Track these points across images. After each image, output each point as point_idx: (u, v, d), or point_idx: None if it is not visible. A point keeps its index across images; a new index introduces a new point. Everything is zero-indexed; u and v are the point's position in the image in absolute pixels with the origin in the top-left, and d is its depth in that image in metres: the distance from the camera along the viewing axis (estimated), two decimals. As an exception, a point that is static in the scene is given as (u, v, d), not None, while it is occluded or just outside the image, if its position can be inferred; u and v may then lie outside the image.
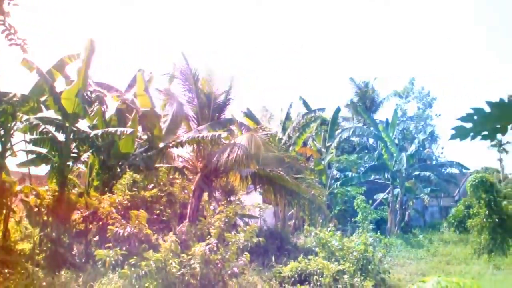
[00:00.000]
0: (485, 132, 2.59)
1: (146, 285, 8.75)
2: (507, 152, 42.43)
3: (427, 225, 34.43)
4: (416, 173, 30.24)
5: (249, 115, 26.02)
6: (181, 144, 14.88)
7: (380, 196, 32.20)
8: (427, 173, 30.28)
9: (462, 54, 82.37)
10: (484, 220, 20.87)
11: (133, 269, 8.47)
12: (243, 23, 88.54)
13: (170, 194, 11.87)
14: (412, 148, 29.76)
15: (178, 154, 17.27)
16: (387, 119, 33.01)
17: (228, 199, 18.93)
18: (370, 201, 26.80)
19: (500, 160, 50.16)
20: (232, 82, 17.99)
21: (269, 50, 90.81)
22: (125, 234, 9.21)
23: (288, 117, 27.87)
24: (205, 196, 16.58)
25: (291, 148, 25.15)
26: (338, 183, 27.10)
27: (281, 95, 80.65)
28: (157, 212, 11.23)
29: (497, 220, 20.61)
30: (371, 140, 36.45)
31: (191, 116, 17.56)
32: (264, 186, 18.62)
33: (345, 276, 10.92)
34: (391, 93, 45.49)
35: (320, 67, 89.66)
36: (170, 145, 15.12)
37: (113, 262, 8.84)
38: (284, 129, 26.75)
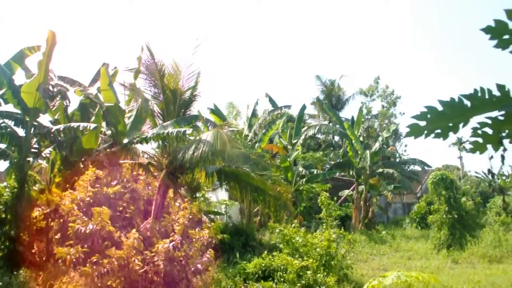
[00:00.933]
0: (438, 131, 2.64)
1: (108, 283, 8.63)
2: (467, 150, 43.65)
3: (390, 221, 35.19)
4: (380, 170, 30.78)
5: (215, 111, 25.94)
6: (146, 140, 14.68)
7: (345, 193, 32.65)
8: (391, 171, 30.85)
9: (425, 54, 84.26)
10: (444, 216, 21.47)
11: (94, 267, 8.33)
12: (210, 19, 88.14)
13: (133, 190, 11.70)
14: (376, 146, 30.25)
15: (143, 150, 17.06)
16: (352, 117, 33.49)
17: (194, 196, 18.85)
18: (335, 198, 27.13)
19: (460, 158, 51.68)
20: (199, 78, 17.85)
21: (236, 46, 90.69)
22: (87, 231, 9.03)
23: (254, 114, 27.91)
24: (171, 192, 16.42)
25: (257, 145, 25.22)
26: (304, 180, 27.29)
27: (248, 92, 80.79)
28: (120, 209, 11.04)
29: (456, 216, 21.23)
30: (336, 138, 36.87)
31: (156, 112, 17.32)
32: (230, 183, 18.60)
33: (309, 272, 11.02)
34: (356, 91, 46.18)
35: (287, 64, 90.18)
36: (135, 141, 14.90)
37: (74, 260, 8.67)
38: (250, 126, 26.79)
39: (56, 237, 11.09)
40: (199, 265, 9.70)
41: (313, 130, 30.37)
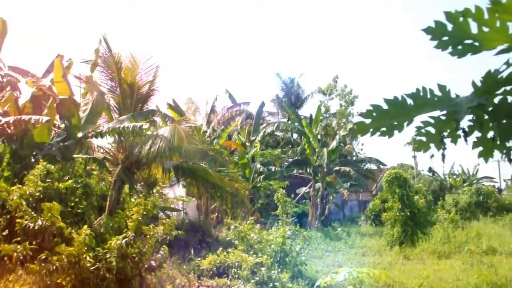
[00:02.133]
0: (384, 129, 2.69)
1: (58, 280, 8.41)
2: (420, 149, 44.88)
3: (346, 218, 35.83)
4: (337, 168, 31.27)
5: (173, 106, 25.67)
6: (101, 134, 14.40)
7: (302, 190, 33.00)
8: (347, 169, 31.40)
9: (383, 54, 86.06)
10: (397, 213, 22.05)
11: (43, 264, 8.10)
12: (170, 14, 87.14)
13: (86, 185, 11.42)
14: (333, 144, 30.71)
15: (99, 144, 16.70)
16: (311, 115, 33.82)
17: (151, 192, 18.61)
18: (292, 195, 27.33)
19: (414, 157, 53.10)
20: (157, 73, 17.61)
21: (196, 41, 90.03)
22: (36, 227, 8.76)
23: (213, 110, 27.80)
24: (126, 188, 16.17)
25: (215, 141, 25.13)
26: (261, 177, 27.41)
27: (208, 87, 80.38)
28: (72, 204, 10.76)
29: (408, 213, 21.85)
30: (295, 135, 37.17)
31: (112, 106, 16.99)
32: (187, 179, 18.52)
33: (263, 269, 11.08)
34: (315, 90, 46.62)
35: (247, 61, 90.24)
36: (90, 135, 14.58)
37: (22, 257, 8.39)
38: (208, 122, 26.66)
39: (3, 233, 10.70)
40: (152, 262, 9.57)
41: (271, 127, 30.52)
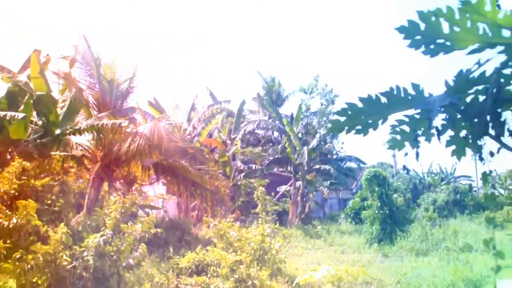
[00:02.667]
0: (359, 127, 2.71)
1: (33, 279, 8.28)
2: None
3: (326, 216, 36.10)
4: (317, 166, 31.44)
5: (154, 104, 25.52)
6: (79, 131, 14.20)
7: (283, 188, 33.11)
8: (328, 167, 31.59)
9: (364, 53, 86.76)
10: (376, 211, 22.28)
11: (17, 263, 7.96)
12: (151, 12, 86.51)
13: (63, 183, 11.28)
14: (314, 143, 30.85)
15: (77, 142, 16.49)
16: (292, 114, 33.94)
17: (130, 190, 18.46)
18: (273, 193, 27.43)
19: (394, 156, 53.60)
20: (136, 70, 17.46)
21: (178, 39, 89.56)
22: (10, 225, 8.62)
23: (193, 108, 27.70)
24: (105, 186, 16.02)
25: (195, 139, 25.06)
26: (242, 175, 27.43)
27: (189, 85, 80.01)
28: (49, 202, 10.62)
29: (387, 211, 22.10)
30: (276, 134, 37.24)
31: (91, 103, 16.80)
32: (167, 177, 18.40)
33: (242, 267, 11.07)
34: (296, 89, 46.67)
35: (228, 59, 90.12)
36: (67, 132, 14.38)
37: (-4, 256, 8.25)
38: (189, 120, 26.56)
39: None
40: (131, 260, 9.48)
41: (252, 125, 30.56)
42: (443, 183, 47.40)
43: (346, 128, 2.80)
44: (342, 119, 2.73)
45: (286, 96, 46.77)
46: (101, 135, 15.43)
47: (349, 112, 2.68)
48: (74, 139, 15.91)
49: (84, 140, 16.47)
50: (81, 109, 16.28)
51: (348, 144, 62.40)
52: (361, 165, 38.39)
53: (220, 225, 13.48)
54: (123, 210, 9.66)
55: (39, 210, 9.61)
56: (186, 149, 17.96)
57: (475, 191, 41.90)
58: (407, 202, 28.96)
